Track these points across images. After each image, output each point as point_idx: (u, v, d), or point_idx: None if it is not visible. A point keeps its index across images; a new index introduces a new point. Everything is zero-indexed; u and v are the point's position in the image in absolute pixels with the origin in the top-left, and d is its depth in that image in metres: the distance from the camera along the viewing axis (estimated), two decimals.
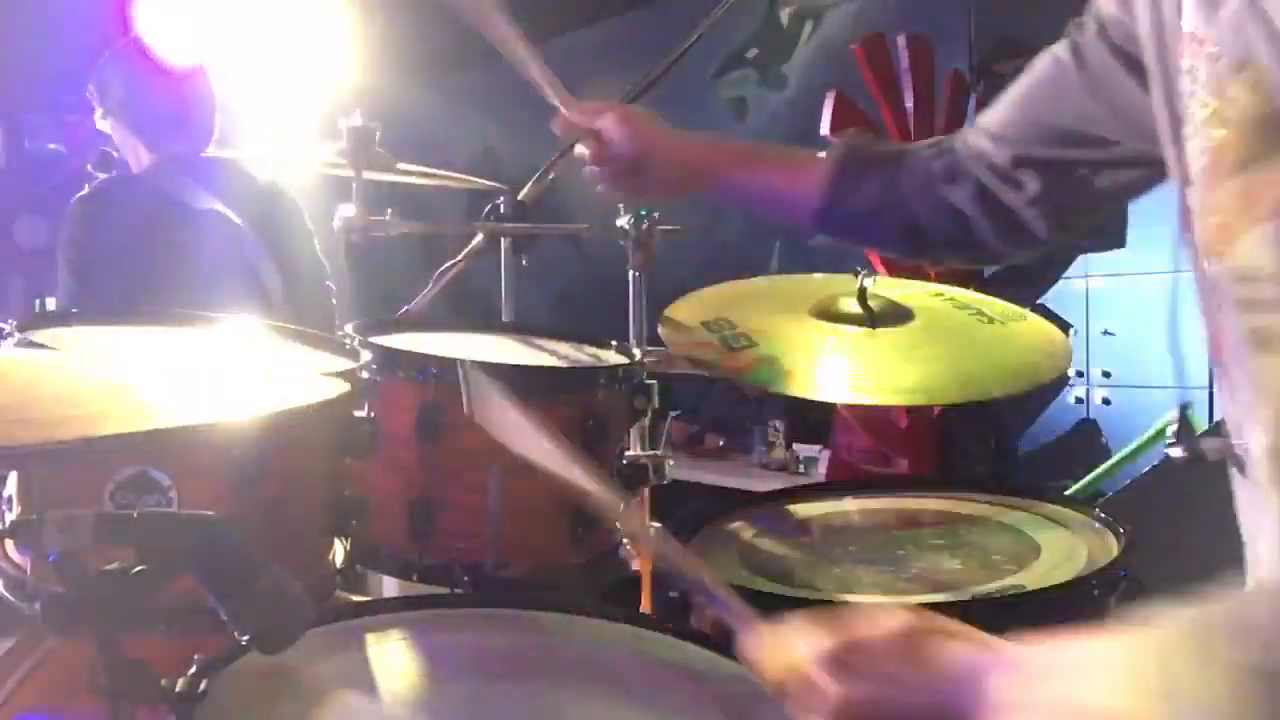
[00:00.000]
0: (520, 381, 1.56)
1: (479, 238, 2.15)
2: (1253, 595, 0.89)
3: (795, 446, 4.32)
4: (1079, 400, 3.88)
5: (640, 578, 1.74)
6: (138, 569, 0.84)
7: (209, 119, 2.85)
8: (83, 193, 2.75)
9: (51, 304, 3.01)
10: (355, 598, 1.53)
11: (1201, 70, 0.91)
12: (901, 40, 3.90)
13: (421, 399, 1.49)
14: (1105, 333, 3.81)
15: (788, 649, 0.85)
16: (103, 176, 2.86)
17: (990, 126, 1.30)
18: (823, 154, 1.43)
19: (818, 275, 1.88)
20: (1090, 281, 3.86)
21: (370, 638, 1.13)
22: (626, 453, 1.68)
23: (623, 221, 1.90)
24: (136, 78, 2.80)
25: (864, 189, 1.39)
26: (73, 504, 1.17)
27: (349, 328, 1.61)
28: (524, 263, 2.26)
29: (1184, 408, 1.36)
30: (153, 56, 2.78)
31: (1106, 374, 3.82)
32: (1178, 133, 0.97)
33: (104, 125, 2.87)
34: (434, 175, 2.32)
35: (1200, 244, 0.94)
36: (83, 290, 2.66)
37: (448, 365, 1.52)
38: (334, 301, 2.90)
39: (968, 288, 1.87)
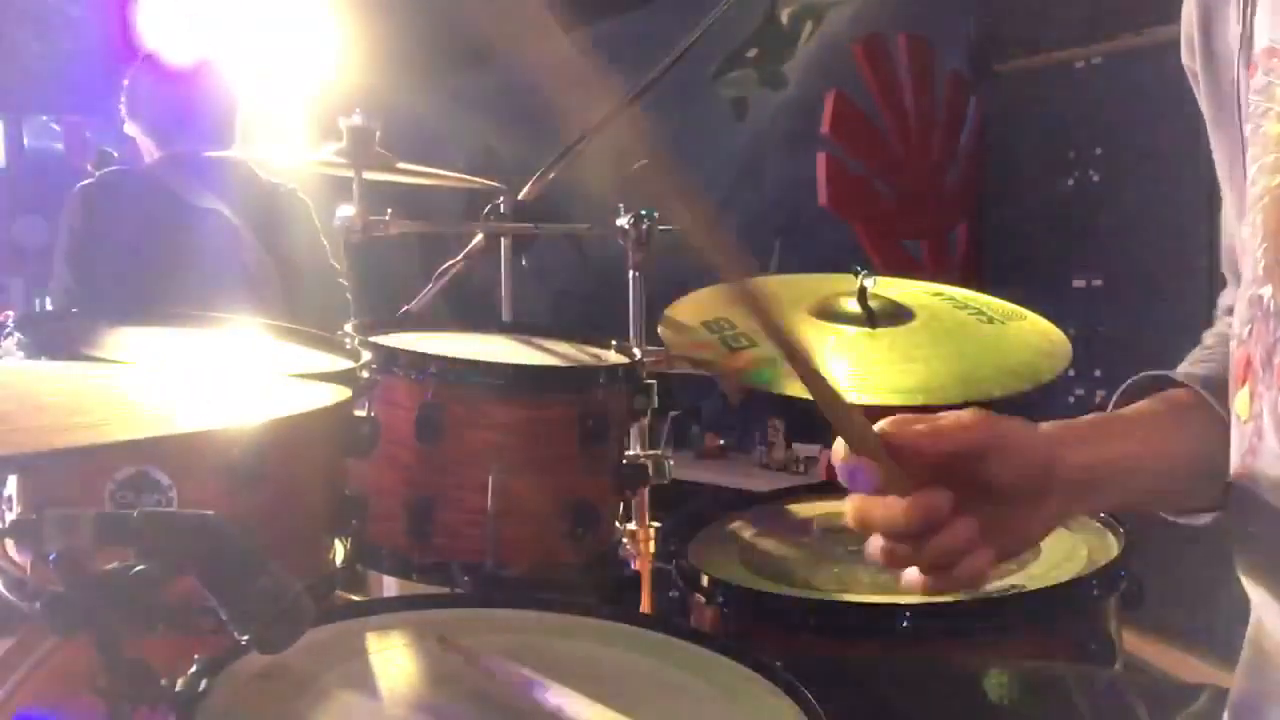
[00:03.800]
0: (520, 381, 1.57)
1: (479, 238, 2.16)
2: None
3: (795, 446, 4.32)
4: (1078, 400, 3.87)
5: (640, 578, 1.74)
6: (138, 569, 0.84)
7: (220, 119, 2.86)
8: (85, 182, 2.78)
9: (48, 300, 3.03)
10: (355, 598, 1.53)
11: (1278, 83, 0.84)
12: (901, 40, 3.90)
13: (421, 399, 1.50)
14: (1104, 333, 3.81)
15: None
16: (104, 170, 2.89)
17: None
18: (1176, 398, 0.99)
19: (817, 275, 1.87)
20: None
21: (370, 638, 1.13)
22: (626, 453, 1.68)
23: (623, 221, 1.90)
24: (153, 78, 2.84)
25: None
26: (73, 504, 1.17)
27: (349, 327, 1.61)
28: (524, 263, 2.26)
29: None
30: (169, 58, 2.83)
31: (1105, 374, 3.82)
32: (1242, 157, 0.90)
33: (129, 129, 2.91)
34: (434, 175, 2.32)
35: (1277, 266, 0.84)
36: (77, 281, 2.68)
37: (448, 365, 1.52)
38: (349, 297, 2.91)
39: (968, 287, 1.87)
